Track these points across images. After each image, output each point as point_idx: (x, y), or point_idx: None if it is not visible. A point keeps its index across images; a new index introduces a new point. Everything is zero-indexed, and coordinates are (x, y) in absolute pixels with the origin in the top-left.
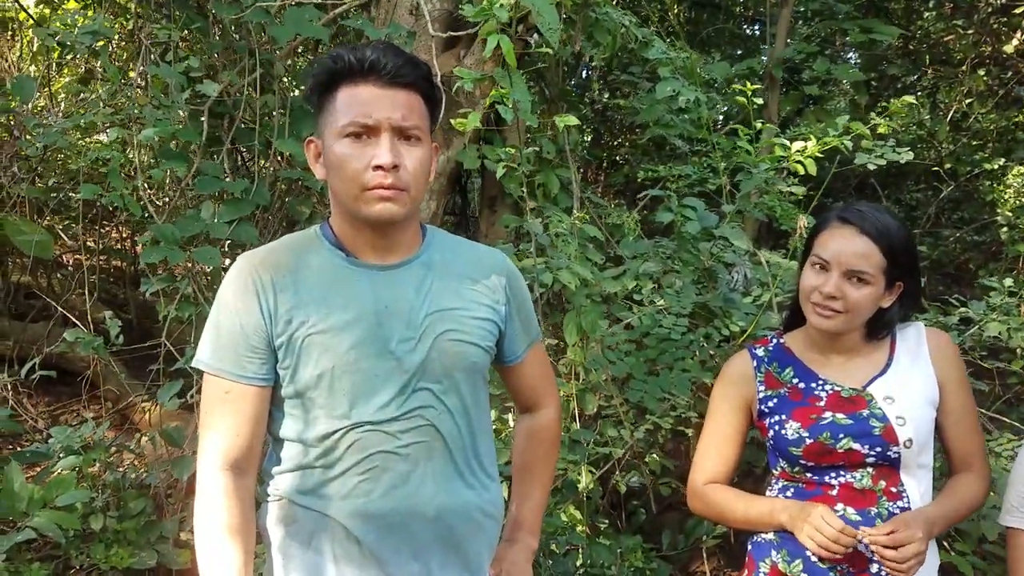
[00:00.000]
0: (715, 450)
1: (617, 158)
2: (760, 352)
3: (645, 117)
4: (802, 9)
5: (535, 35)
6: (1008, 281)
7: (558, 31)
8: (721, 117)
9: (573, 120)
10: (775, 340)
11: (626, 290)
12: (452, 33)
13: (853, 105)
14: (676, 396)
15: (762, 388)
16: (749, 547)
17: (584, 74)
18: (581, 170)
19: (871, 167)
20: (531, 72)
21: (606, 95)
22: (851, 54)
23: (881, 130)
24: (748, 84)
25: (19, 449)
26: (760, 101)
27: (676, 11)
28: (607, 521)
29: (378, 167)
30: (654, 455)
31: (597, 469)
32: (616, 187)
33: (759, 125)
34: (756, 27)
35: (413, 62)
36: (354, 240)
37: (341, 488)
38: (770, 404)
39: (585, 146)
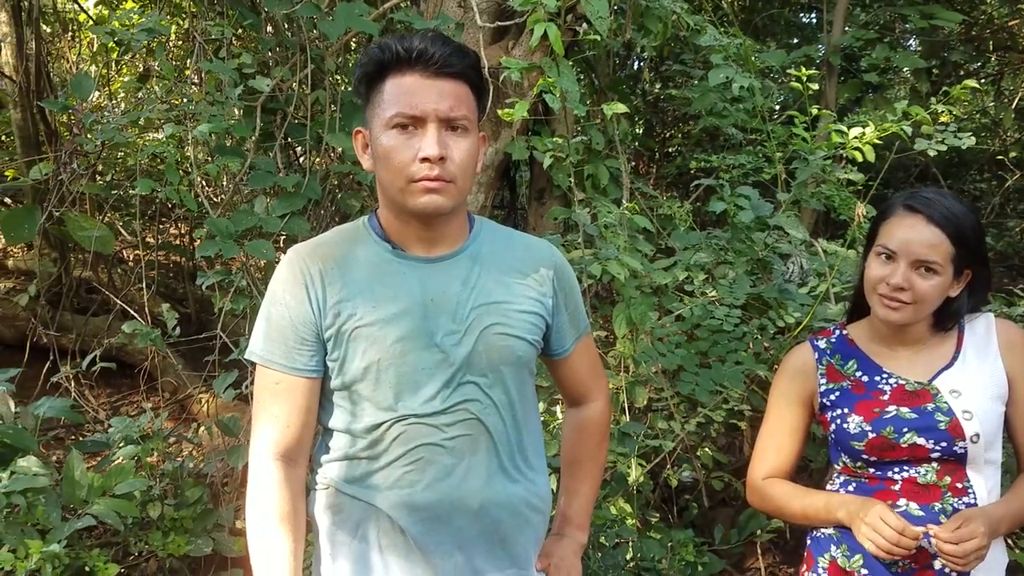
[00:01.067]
0: (774, 444)
1: (670, 149)
2: (822, 344)
3: (698, 106)
4: None
5: (584, 24)
6: None
7: (607, 19)
8: (777, 107)
9: (621, 108)
10: (837, 332)
11: (677, 281)
12: (500, 23)
13: (914, 93)
14: (729, 389)
15: (823, 381)
16: (808, 541)
17: (636, 64)
18: (632, 161)
19: (932, 154)
20: (580, 62)
21: (658, 85)
22: (911, 41)
23: (943, 118)
24: (803, 70)
25: (81, 439)
26: (815, 86)
27: None
28: (658, 515)
29: (424, 159)
30: (706, 449)
31: (647, 462)
32: (669, 178)
33: (815, 111)
34: (812, 15)
35: (461, 51)
36: (401, 232)
37: (387, 479)
38: (832, 397)
39: (636, 136)
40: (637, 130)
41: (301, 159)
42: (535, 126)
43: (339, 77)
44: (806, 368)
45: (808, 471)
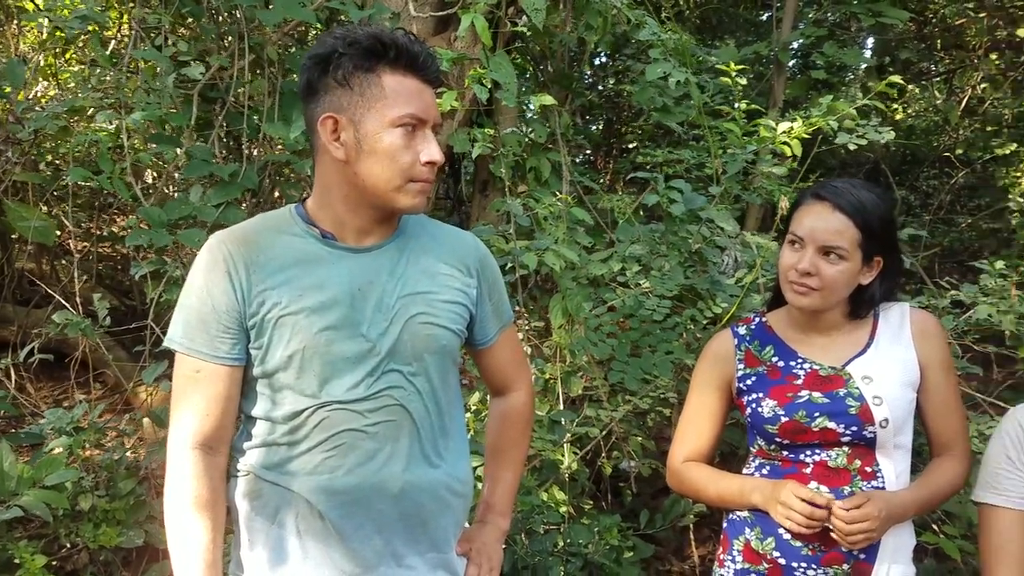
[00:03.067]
0: (693, 428)
1: (629, 145)
2: (742, 331)
3: (637, 99)
4: None
5: (524, 17)
6: (999, 264)
7: (543, 12)
8: (729, 103)
9: (549, 100)
10: (757, 319)
11: (612, 272)
12: (433, 14)
13: (864, 90)
14: (658, 377)
15: (741, 367)
16: (725, 525)
17: (597, 60)
18: (591, 156)
19: (852, 147)
20: (524, 54)
21: (611, 80)
22: (869, 39)
23: (898, 116)
24: (731, 65)
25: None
26: (744, 82)
27: None
28: (591, 503)
29: (430, 163)
30: (637, 437)
31: (581, 450)
32: (624, 173)
33: (744, 106)
34: (768, 13)
35: (434, 57)
36: (339, 222)
37: (307, 464)
38: (748, 382)
39: (582, 131)
40: (596, 126)
41: (245, 148)
42: (479, 118)
43: (280, 67)
44: (725, 354)
45: (736, 457)
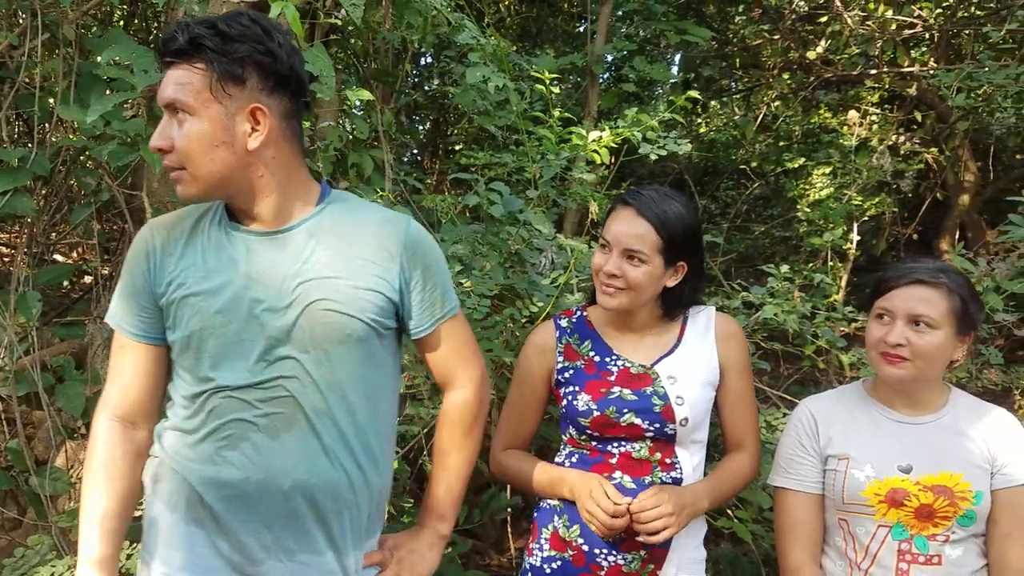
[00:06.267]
0: (516, 416)
1: (451, 145)
2: (564, 323)
3: (459, 102)
4: (619, 13)
5: (343, 11)
6: (785, 268)
7: (360, 7)
8: (547, 110)
9: (366, 95)
10: (579, 313)
11: None
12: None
13: (670, 104)
14: None
15: (561, 359)
16: (535, 514)
17: (424, 60)
18: (418, 155)
19: (653, 158)
20: (348, 51)
21: (435, 81)
22: (678, 56)
23: (701, 130)
24: (546, 74)
25: None
26: (557, 91)
27: (507, 2)
28: (412, 501)
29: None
30: None
31: (404, 449)
32: (448, 173)
33: (558, 114)
34: (584, 24)
35: (179, 32)
36: (241, 208)
37: (200, 453)
38: (567, 375)
39: (404, 129)
40: (423, 125)
41: (37, 132)
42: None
43: (77, 47)
44: (546, 346)
45: (552, 449)
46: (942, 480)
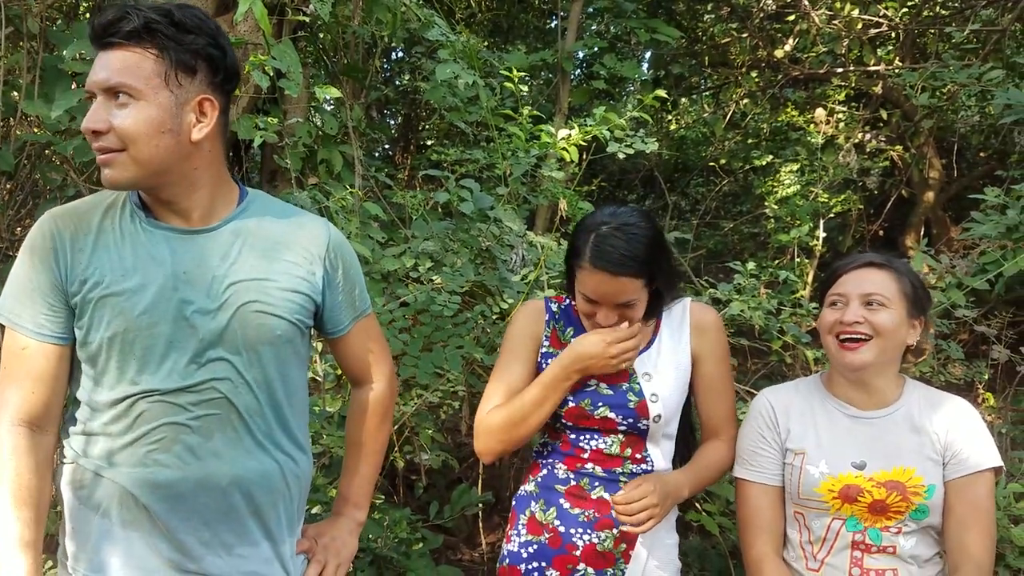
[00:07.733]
0: (505, 379)
1: (423, 141)
2: (554, 307)
3: (430, 98)
4: (590, 10)
5: (311, 6)
6: (751, 265)
7: (328, 2)
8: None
9: (334, 92)
10: (568, 300)
11: (406, 268)
12: None
13: (639, 102)
14: (448, 371)
15: (546, 344)
16: (514, 503)
17: (394, 55)
18: (389, 150)
19: (621, 156)
20: (317, 46)
21: (406, 77)
22: (648, 53)
23: (671, 127)
24: (515, 71)
25: None
26: (526, 88)
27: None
28: (383, 497)
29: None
30: (428, 430)
31: None
32: (419, 169)
33: (527, 111)
34: (554, 21)
35: (131, 14)
36: (163, 203)
37: (130, 457)
38: (549, 360)
39: (374, 125)
40: (394, 121)
41: None
42: (265, 105)
43: (42, 40)
44: (539, 315)
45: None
46: (895, 476)
